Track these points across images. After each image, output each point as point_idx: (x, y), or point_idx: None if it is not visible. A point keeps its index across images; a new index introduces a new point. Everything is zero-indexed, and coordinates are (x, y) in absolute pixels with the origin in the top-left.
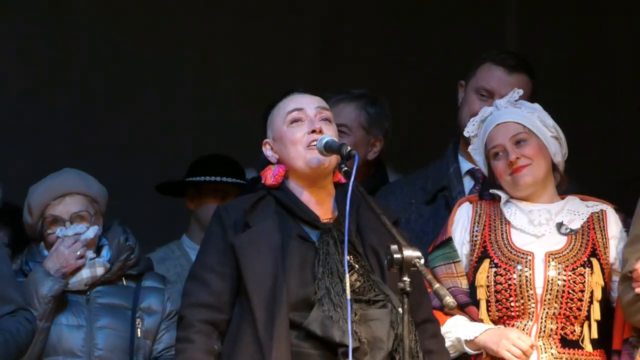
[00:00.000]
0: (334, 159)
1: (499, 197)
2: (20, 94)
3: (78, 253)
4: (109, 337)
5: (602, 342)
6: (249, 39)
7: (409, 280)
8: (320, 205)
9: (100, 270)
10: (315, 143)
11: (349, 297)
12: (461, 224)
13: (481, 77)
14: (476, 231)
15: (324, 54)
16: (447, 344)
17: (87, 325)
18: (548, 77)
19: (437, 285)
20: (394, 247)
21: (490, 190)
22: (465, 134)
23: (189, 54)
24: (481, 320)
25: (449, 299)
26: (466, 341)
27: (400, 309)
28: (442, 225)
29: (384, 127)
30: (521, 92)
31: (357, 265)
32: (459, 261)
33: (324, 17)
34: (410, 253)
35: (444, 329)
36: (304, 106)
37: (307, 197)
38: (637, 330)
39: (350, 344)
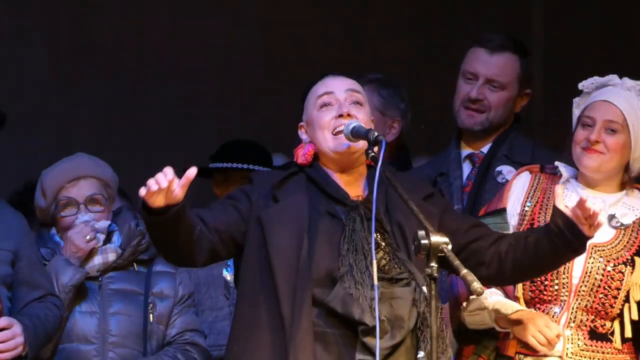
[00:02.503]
0: (362, 143)
1: (560, 174)
2: (46, 81)
3: (87, 237)
4: (122, 323)
5: (634, 339)
6: (275, 25)
7: (436, 266)
8: (351, 185)
9: (112, 256)
10: (341, 128)
11: (375, 281)
12: (515, 195)
13: (466, 61)
14: (528, 206)
15: (350, 42)
16: (476, 317)
17: (100, 311)
18: (575, 62)
19: (464, 271)
20: (422, 232)
21: (556, 163)
22: (580, 86)
23: (215, 38)
24: (516, 299)
25: (477, 285)
26: (497, 317)
27: (424, 288)
28: None
29: (400, 108)
30: None
31: (383, 244)
32: (509, 233)
33: (350, 4)
34: (437, 239)
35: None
36: (334, 89)
37: (337, 178)
38: None
39: (378, 327)
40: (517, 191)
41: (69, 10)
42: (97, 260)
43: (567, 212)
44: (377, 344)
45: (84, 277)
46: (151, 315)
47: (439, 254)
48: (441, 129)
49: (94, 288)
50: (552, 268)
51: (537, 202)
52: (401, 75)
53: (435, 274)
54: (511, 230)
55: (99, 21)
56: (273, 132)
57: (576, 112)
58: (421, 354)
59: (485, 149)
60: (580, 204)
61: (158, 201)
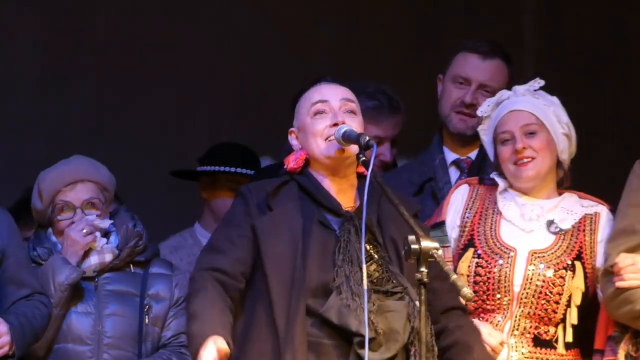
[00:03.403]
0: (354, 149)
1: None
2: (36, 82)
3: (84, 230)
4: (117, 324)
5: (579, 345)
6: (266, 26)
7: (426, 271)
8: (343, 194)
9: (108, 257)
10: (332, 137)
11: (365, 287)
12: (454, 207)
13: (457, 65)
14: (467, 217)
15: (341, 45)
16: None
17: (95, 312)
18: (567, 69)
19: (454, 277)
20: (412, 237)
21: (492, 175)
22: (479, 113)
23: (205, 40)
24: None
25: (467, 290)
26: None
27: (417, 302)
28: (429, 215)
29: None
30: (542, 82)
31: (376, 256)
32: (449, 246)
33: (342, 5)
34: (427, 244)
35: None
36: (329, 98)
37: (329, 186)
38: (620, 325)
39: (367, 331)
40: (456, 204)
41: (60, 10)
42: (94, 260)
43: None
44: (366, 347)
45: (80, 276)
46: (147, 317)
47: (429, 259)
48: (433, 133)
49: (90, 289)
50: None
51: (476, 212)
52: (394, 77)
53: (426, 279)
54: (452, 243)
55: (91, 21)
56: (264, 133)
57: (486, 139)
58: None
59: (472, 155)
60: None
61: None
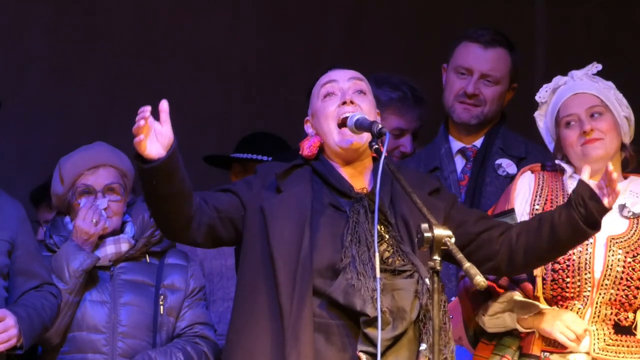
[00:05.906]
0: (366, 137)
1: (562, 170)
2: (49, 71)
3: (93, 221)
4: (132, 314)
5: None
6: (275, 20)
7: (439, 259)
8: (356, 178)
9: (124, 247)
10: (346, 115)
11: (378, 272)
12: (522, 195)
13: (458, 56)
14: (537, 205)
15: (349, 43)
16: (497, 320)
17: (110, 301)
18: (579, 52)
19: (467, 264)
20: (425, 225)
21: (556, 161)
22: (537, 98)
23: (214, 34)
24: (536, 298)
25: (480, 278)
26: (520, 318)
27: (427, 280)
28: None
29: None
30: (599, 66)
31: (387, 236)
32: None
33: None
34: (440, 232)
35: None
36: (337, 78)
37: (342, 170)
38: None
39: (380, 319)
40: (524, 191)
41: (71, 2)
42: (110, 250)
43: (592, 184)
44: (379, 335)
45: (95, 262)
46: (162, 307)
47: (442, 247)
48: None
49: (105, 278)
50: (565, 249)
51: (545, 200)
52: (403, 67)
53: (438, 267)
54: None
55: (101, 12)
56: (272, 124)
57: (542, 125)
58: (423, 346)
59: (477, 143)
60: (607, 171)
61: (154, 149)
